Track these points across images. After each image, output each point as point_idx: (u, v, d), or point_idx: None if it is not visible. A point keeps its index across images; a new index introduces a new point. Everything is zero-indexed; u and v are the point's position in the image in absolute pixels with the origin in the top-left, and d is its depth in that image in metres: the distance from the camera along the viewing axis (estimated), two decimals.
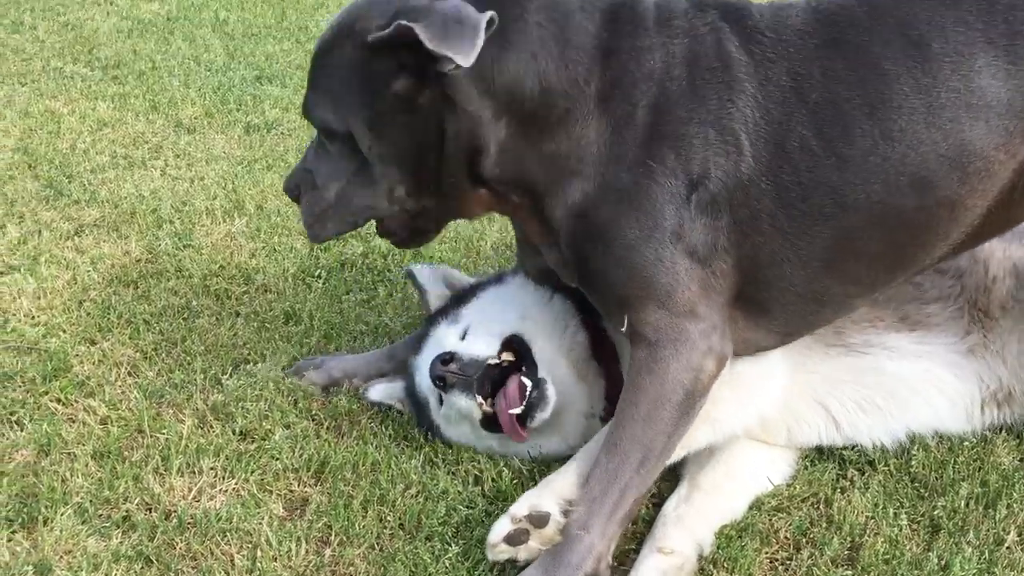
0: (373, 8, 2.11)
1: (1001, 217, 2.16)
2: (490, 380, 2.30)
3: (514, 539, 2.04)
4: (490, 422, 2.30)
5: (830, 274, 2.16)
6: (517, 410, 2.25)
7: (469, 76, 2.05)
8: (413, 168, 2.18)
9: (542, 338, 2.40)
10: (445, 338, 2.43)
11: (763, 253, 2.12)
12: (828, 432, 2.39)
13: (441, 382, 2.28)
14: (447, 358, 2.29)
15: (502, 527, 2.06)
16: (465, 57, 1.92)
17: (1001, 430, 2.45)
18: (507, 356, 2.35)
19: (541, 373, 2.31)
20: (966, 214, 2.11)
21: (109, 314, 2.96)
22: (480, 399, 2.27)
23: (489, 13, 1.95)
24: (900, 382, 2.38)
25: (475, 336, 2.39)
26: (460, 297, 2.60)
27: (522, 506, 2.09)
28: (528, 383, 2.27)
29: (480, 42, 1.93)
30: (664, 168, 2.07)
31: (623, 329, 2.15)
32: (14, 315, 2.95)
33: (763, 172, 2.07)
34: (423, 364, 2.42)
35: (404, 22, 1.94)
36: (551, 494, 2.11)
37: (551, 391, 2.29)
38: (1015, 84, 2.01)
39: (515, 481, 2.31)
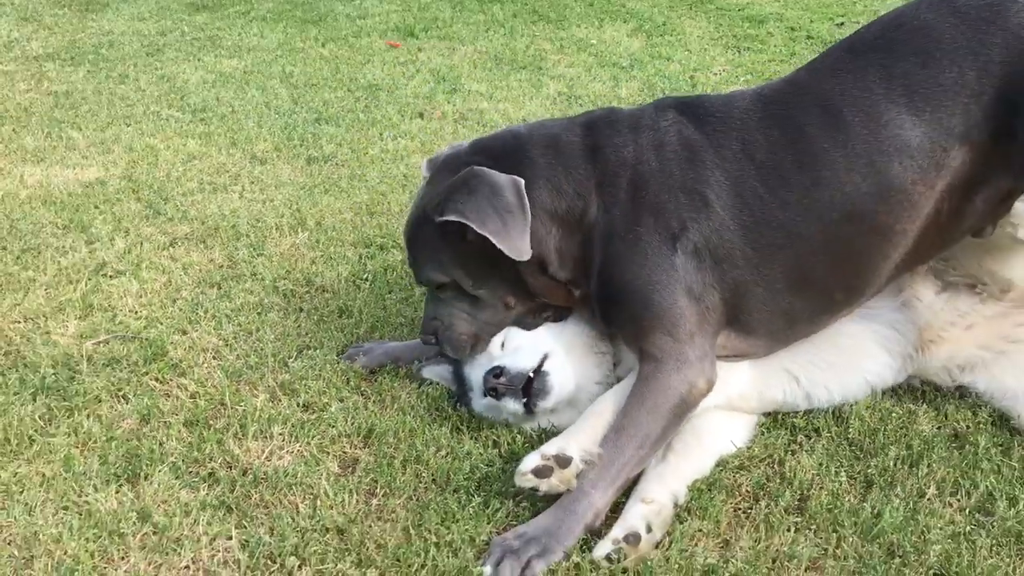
0: (434, 194, 2.28)
1: (936, 237, 2.19)
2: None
3: (540, 472, 2.04)
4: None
5: (793, 294, 2.22)
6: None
7: None
8: (508, 285, 2.35)
9: (563, 343, 2.40)
10: (490, 346, 2.43)
11: (740, 282, 2.20)
12: (791, 389, 2.37)
13: (494, 392, 2.26)
14: (498, 372, 2.26)
15: (533, 460, 2.05)
16: (519, 254, 2.17)
17: (922, 402, 2.43)
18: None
19: (546, 366, 2.31)
20: (899, 238, 2.15)
21: (197, 310, 2.95)
22: (524, 400, 2.27)
23: (519, 180, 2.20)
24: (850, 340, 2.37)
25: (518, 349, 2.37)
26: None
27: (552, 447, 2.08)
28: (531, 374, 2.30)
29: (527, 231, 2.17)
30: (648, 231, 2.19)
31: (635, 351, 2.24)
32: (121, 310, 2.96)
33: (729, 217, 2.17)
34: (473, 364, 2.43)
35: (454, 217, 2.15)
36: (576, 443, 2.10)
37: (552, 379, 2.30)
38: (921, 131, 2.05)
39: (526, 445, 2.30)
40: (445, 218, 2.17)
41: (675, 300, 2.16)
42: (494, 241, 2.13)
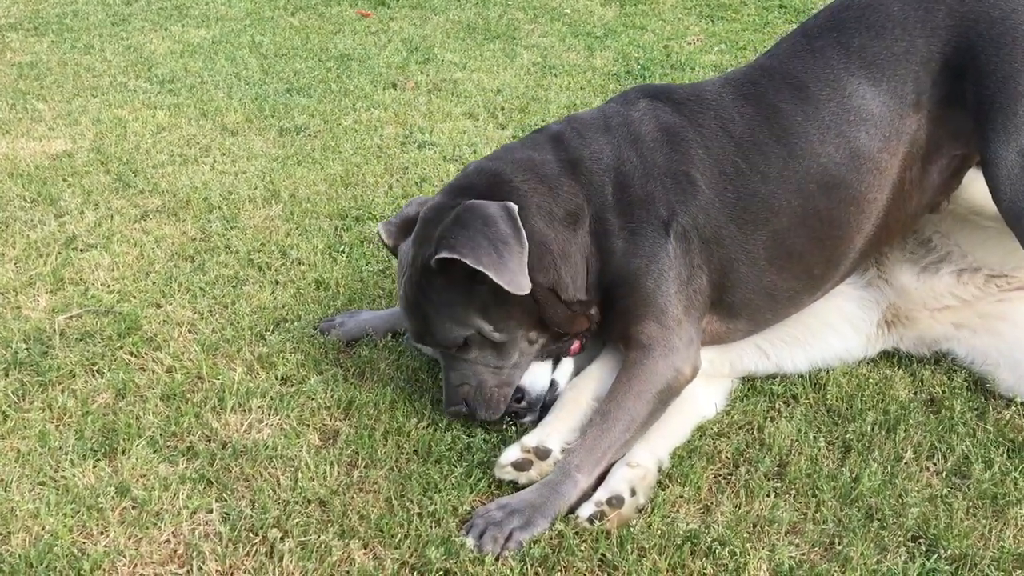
0: (425, 241, 2.17)
1: (902, 210, 2.27)
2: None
3: (520, 465, 2.07)
4: None
5: (775, 271, 2.25)
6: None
7: None
8: (528, 320, 2.22)
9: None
10: None
11: (725, 261, 2.22)
12: (761, 362, 2.42)
13: (515, 415, 2.26)
14: (520, 397, 2.25)
15: (513, 453, 2.08)
16: (519, 288, 2.07)
17: (899, 368, 2.46)
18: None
19: (554, 376, 2.33)
20: (870, 207, 2.22)
21: (171, 283, 2.92)
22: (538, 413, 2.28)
23: (511, 206, 2.12)
24: (814, 317, 2.42)
25: (531, 368, 2.31)
26: None
27: (531, 439, 2.11)
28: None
29: (524, 260, 2.08)
30: (640, 223, 2.19)
31: (616, 340, 2.25)
32: (92, 284, 2.92)
33: (715, 195, 2.20)
34: None
35: (447, 254, 2.05)
36: (557, 435, 2.13)
37: (562, 388, 2.32)
38: (881, 100, 2.16)
39: (507, 417, 2.30)
40: (439, 256, 2.06)
41: (666, 287, 2.17)
42: (491, 276, 2.03)
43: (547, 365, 2.33)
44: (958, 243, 2.42)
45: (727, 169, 2.20)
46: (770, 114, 2.21)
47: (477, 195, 2.18)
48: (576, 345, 2.35)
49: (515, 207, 2.13)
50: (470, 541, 1.90)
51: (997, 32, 2.07)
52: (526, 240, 2.10)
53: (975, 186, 2.31)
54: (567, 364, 2.36)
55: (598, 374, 2.28)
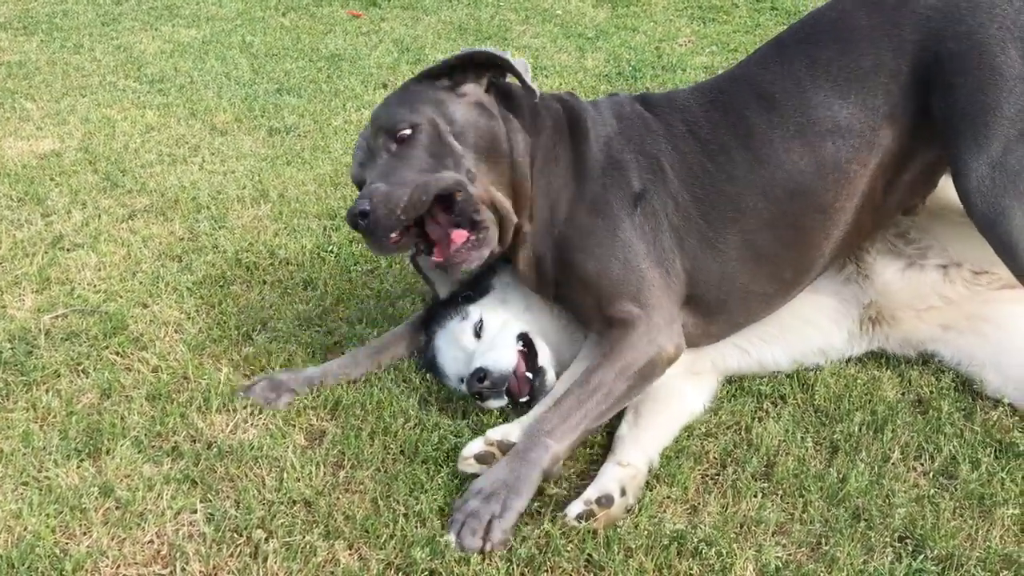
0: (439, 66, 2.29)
1: (872, 215, 2.28)
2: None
3: (482, 458, 2.08)
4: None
5: (747, 272, 2.26)
6: (525, 398, 2.25)
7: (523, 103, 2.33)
8: (488, 154, 2.23)
9: (542, 326, 2.39)
10: (462, 335, 2.37)
11: (696, 256, 2.24)
12: (743, 359, 2.42)
13: (478, 396, 2.23)
14: (481, 376, 2.21)
15: (476, 446, 2.09)
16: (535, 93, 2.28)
17: (886, 368, 2.46)
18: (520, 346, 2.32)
19: (541, 362, 2.30)
20: (839, 216, 2.24)
21: (158, 283, 2.91)
22: (506, 399, 2.24)
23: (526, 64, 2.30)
24: (791, 314, 2.42)
25: (494, 343, 2.30)
26: (463, 292, 2.49)
27: (496, 432, 2.10)
28: (530, 375, 2.27)
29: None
30: (615, 183, 2.25)
31: (595, 326, 2.25)
32: (79, 284, 2.90)
33: (683, 188, 2.25)
34: (444, 348, 2.40)
35: (495, 51, 2.24)
36: (521, 429, 2.12)
37: (550, 377, 2.29)
38: (848, 112, 2.17)
39: (497, 417, 2.29)
40: (455, 56, 2.23)
41: (639, 264, 2.19)
42: (520, 72, 2.22)
43: (510, 345, 2.29)
44: (936, 237, 2.42)
45: (694, 167, 2.25)
46: (736, 120, 2.25)
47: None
48: (460, 235, 2.16)
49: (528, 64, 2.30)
50: (451, 539, 1.89)
51: (964, 47, 2.07)
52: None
53: (944, 184, 2.31)
54: (546, 350, 2.34)
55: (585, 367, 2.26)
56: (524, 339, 2.33)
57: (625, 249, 2.19)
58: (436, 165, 2.16)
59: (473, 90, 2.28)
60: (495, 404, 2.25)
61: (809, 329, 2.43)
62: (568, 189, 2.28)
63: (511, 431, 2.11)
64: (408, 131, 2.17)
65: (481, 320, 2.37)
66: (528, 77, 2.26)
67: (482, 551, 1.86)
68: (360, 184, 2.25)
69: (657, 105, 2.37)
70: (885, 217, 2.33)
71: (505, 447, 2.07)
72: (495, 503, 1.93)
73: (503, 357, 2.26)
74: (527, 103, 2.33)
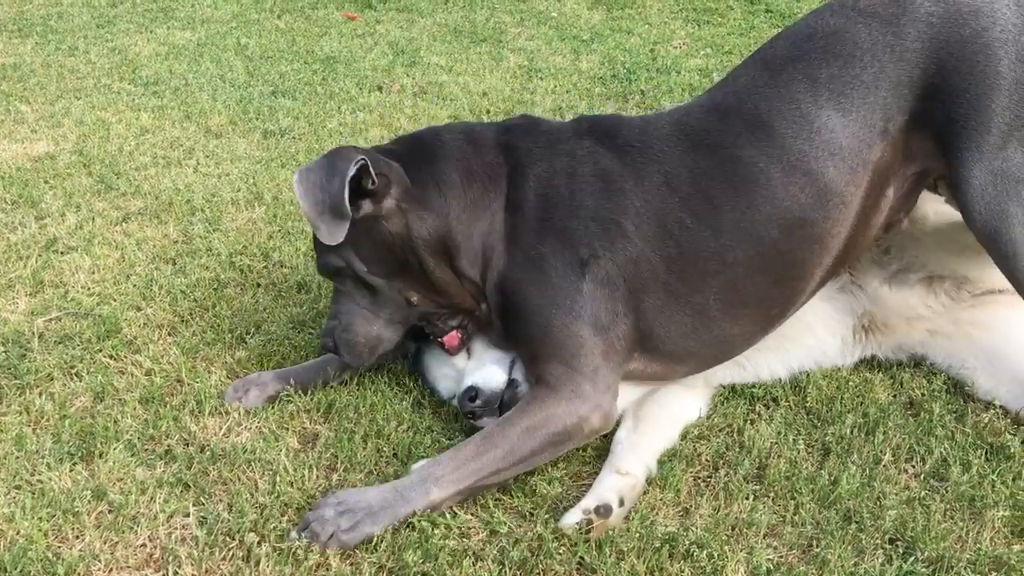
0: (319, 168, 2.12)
1: (861, 236, 2.21)
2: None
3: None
4: None
5: (728, 320, 2.17)
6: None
7: (418, 188, 2.18)
8: (410, 277, 2.20)
9: None
10: (456, 356, 2.35)
11: (660, 312, 2.14)
12: (738, 373, 2.40)
13: (471, 415, 2.21)
14: (473, 395, 2.20)
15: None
16: (328, 238, 2.08)
17: (878, 371, 2.47)
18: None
19: (515, 374, 2.27)
20: (833, 242, 2.15)
21: (152, 286, 2.91)
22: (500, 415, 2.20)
23: (363, 159, 2.06)
24: (791, 325, 2.37)
25: (483, 360, 2.30)
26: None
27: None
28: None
29: (343, 211, 2.05)
30: (553, 254, 2.11)
31: (531, 374, 2.15)
32: (72, 287, 2.90)
33: (651, 248, 2.11)
34: (434, 367, 2.40)
35: (296, 179, 2.09)
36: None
37: (522, 389, 2.23)
38: (850, 132, 2.08)
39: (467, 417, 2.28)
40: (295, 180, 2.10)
41: (578, 330, 2.07)
42: (300, 204, 2.06)
43: (502, 365, 2.27)
44: (915, 254, 2.41)
45: (669, 224, 2.10)
46: (727, 164, 2.11)
47: (406, 142, 2.30)
48: (453, 337, 2.28)
49: (365, 160, 2.06)
50: (292, 535, 1.90)
51: (969, 51, 2.03)
52: (346, 194, 2.03)
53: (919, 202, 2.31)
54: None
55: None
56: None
57: (564, 317, 2.08)
58: (373, 303, 2.24)
59: (368, 206, 2.14)
60: (485, 422, 2.20)
61: (807, 339, 2.41)
62: (501, 247, 2.17)
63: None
64: (335, 271, 2.22)
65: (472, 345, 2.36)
66: (315, 219, 2.07)
67: (321, 548, 1.88)
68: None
69: (629, 150, 2.17)
70: (871, 237, 2.24)
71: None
72: (347, 519, 1.89)
73: (494, 375, 2.24)
74: (440, 169, 2.20)
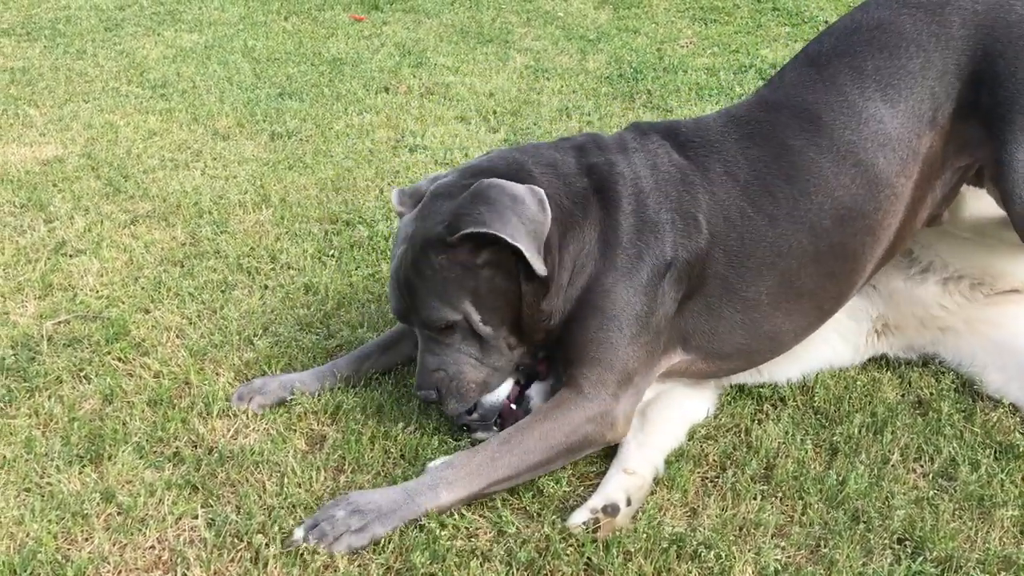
0: (432, 216, 2.09)
1: (908, 229, 2.22)
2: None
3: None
4: None
5: (780, 314, 2.18)
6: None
7: None
8: (512, 318, 2.13)
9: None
10: None
11: (709, 309, 2.16)
12: (753, 376, 2.40)
13: (466, 428, 2.20)
14: (471, 408, 2.19)
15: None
16: (543, 269, 2.03)
17: (886, 370, 2.46)
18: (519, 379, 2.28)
19: (529, 391, 2.26)
20: (884, 233, 2.17)
21: (160, 288, 2.92)
22: (495, 430, 2.20)
23: (539, 190, 2.06)
24: None
25: None
26: None
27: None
28: (514, 406, 2.23)
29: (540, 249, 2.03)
30: (649, 248, 2.10)
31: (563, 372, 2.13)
32: (81, 290, 2.91)
33: (715, 243, 2.13)
34: None
35: (475, 229, 1.98)
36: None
37: (535, 403, 2.24)
38: (899, 122, 2.10)
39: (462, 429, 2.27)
40: (464, 232, 1.98)
41: (635, 337, 2.07)
42: (525, 252, 1.97)
43: (504, 383, 2.23)
44: (939, 253, 2.41)
45: (732, 215, 2.13)
46: (779, 153, 2.14)
47: (498, 175, 2.12)
48: (543, 365, 2.27)
49: (542, 191, 2.06)
50: (299, 533, 1.89)
51: (1015, 35, 2.05)
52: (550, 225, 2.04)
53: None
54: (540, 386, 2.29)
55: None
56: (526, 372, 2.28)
57: (633, 322, 2.07)
58: (481, 352, 2.15)
59: (489, 256, 2.06)
60: (483, 436, 2.19)
61: (821, 344, 2.41)
62: (593, 259, 2.12)
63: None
64: (448, 327, 2.12)
65: None
66: (534, 253, 2.01)
67: (326, 550, 1.86)
68: (401, 319, 2.24)
69: (689, 145, 2.21)
70: (915, 229, 2.26)
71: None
72: (357, 520, 1.89)
73: (493, 392, 2.21)
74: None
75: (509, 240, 1.97)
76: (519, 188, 2.05)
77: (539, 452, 2.01)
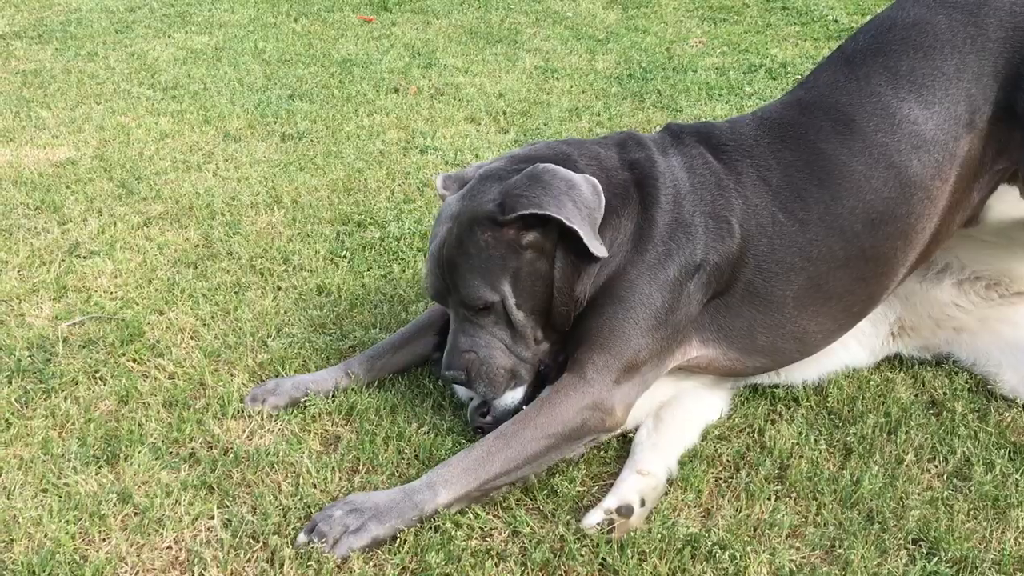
0: (481, 195, 2.09)
1: (943, 232, 2.19)
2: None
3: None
4: None
5: (804, 315, 2.16)
6: None
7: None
8: (543, 307, 2.12)
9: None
10: None
11: (729, 309, 2.15)
12: (768, 376, 2.39)
13: (480, 430, 2.19)
14: (484, 411, 2.19)
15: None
16: (602, 251, 2.01)
17: (900, 370, 2.46)
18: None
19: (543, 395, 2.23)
20: (918, 238, 2.14)
21: (174, 290, 2.93)
22: None
23: (593, 180, 2.08)
24: None
25: None
26: None
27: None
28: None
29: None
30: (680, 248, 2.09)
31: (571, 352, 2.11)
32: (95, 291, 2.93)
33: (745, 247, 2.12)
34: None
35: (532, 210, 1.98)
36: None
37: None
38: (934, 123, 2.06)
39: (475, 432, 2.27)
40: (519, 213, 1.98)
41: (651, 330, 2.07)
42: (582, 235, 1.96)
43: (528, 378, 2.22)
44: (957, 255, 2.40)
45: (763, 220, 2.11)
46: (811, 157, 2.11)
47: (548, 161, 2.13)
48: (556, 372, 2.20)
49: (596, 181, 2.07)
50: (301, 537, 1.90)
51: None
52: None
53: None
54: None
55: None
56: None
57: (650, 316, 2.06)
58: (511, 339, 2.14)
59: (534, 238, 2.06)
60: None
61: (838, 348, 2.39)
62: (624, 250, 2.11)
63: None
64: (486, 308, 2.11)
65: None
66: (592, 236, 2.01)
67: (332, 554, 1.86)
68: (436, 299, 2.22)
69: (724, 148, 2.19)
70: (951, 232, 2.22)
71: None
72: (355, 519, 1.90)
73: (508, 395, 2.20)
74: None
75: (566, 222, 1.97)
76: (574, 175, 2.06)
77: (537, 443, 2.01)
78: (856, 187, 2.08)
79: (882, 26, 2.17)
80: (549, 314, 2.14)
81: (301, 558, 1.87)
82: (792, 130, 2.16)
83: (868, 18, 5.86)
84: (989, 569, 1.83)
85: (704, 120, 2.33)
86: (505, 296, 2.09)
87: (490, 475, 1.98)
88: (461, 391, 2.37)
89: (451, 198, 2.21)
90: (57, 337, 2.66)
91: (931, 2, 2.13)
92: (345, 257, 3.14)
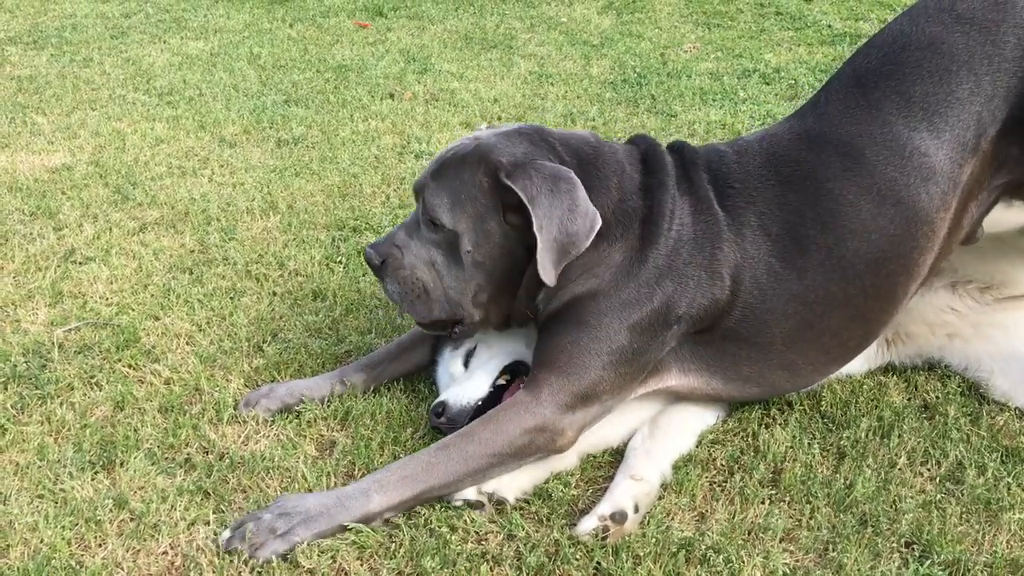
0: (511, 147, 2.06)
1: (943, 257, 2.16)
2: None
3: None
4: None
5: (793, 352, 2.12)
6: None
7: None
8: (499, 280, 2.11)
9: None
10: (452, 362, 2.34)
11: (707, 347, 2.12)
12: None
13: (438, 431, 2.20)
14: (439, 411, 2.17)
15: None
16: (550, 278, 1.96)
17: (893, 374, 2.47)
18: (502, 380, 2.25)
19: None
20: (919, 269, 2.09)
21: (169, 295, 2.93)
22: None
23: (597, 217, 1.99)
24: None
25: (472, 374, 2.26)
26: None
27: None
28: None
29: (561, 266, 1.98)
30: (665, 299, 2.04)
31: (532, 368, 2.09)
32: (91, 297, 2.93)
33: (735, 300, 2.07)
34: (440, 371, 2.37)
35: (521, 193, 1.95)
36: (514, 484, 2.08)
37: None
38: (943, 153, 1.98)
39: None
40: (511, 185, 1.96)
41: (612, 365, 2.02)
42: (540, 256, 1.94)
43: (479, 384, 2.23)
44: (949, 259, 2.41)
45: (758, 273, 2.05)
46: (817, 198, 2.02)
47: (580, 162, 2.09)
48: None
49: (600, 223, 1.99)
50: (225, 534, 1.91)
51: None
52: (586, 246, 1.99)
53: None
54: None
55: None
56: (512, 370, 2.27)
57: (614, 352, 2.01)
58: (447, 268, 2.12)
59: (519, 220, 2.04)
60: None
61: None
62: (610, 272, 2.05)
63: (503, 485, 2.04)
64: (438, 226, 2.10)
65: (474, 348, 2.34)
66: (550, 261, 1.96)
67: (248, 558, 1.87)
68: (414, 189, 2.20)
69: (728, 193, 2.09)
70: (949, 253, 2.17)
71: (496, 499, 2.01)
72: (283, 523, 1.89)
73: (470, 390, 2.21)
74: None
75: (536, 233, 1.94)
76: (588, 205, 1.99)
77: (479, 459, 1.98)
78: (862, 228, 2.00)
79: (896, 43, 2.07)
80: (507, 291, 2.13)
81: (297, 562, 1.88)
82: (799, 168, 2.07)
83: (861, 23, 5.87)
84: (981, 572, 1.84)
85: (713, 144, 2.26)
86: (461, 234, 2.07)
87: (428, 486, 1.97)
88: (442, 390, 2.35)
89: (491, 129, 2.20)
90: (53, 343, 2.66)
91: (947, 17, 2.03)
92: (341, 262, 3.15)
